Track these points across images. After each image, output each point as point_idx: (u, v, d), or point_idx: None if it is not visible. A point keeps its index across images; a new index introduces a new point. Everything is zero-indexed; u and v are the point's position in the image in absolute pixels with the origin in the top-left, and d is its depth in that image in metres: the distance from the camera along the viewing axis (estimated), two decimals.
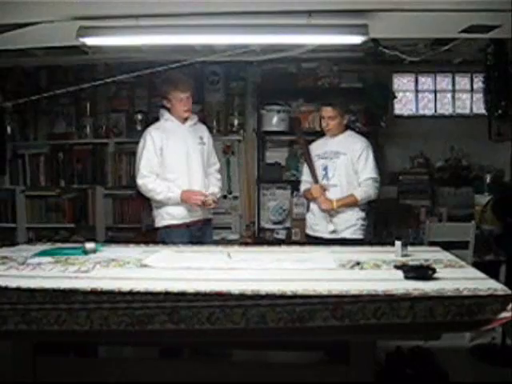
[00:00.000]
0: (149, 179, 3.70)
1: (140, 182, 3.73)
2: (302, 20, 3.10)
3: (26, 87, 5.36)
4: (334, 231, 3.83)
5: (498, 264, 4.25)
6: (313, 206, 4.02)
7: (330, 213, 3.85)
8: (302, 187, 4.14)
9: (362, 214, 3.89)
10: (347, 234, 3.84)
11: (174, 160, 3.74)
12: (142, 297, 2.28)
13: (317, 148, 4.04)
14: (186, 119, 3.83)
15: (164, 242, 3.62)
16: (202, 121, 4.26)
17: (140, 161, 3.72)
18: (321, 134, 4.13)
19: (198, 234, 3.80)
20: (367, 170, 3.85)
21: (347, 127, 4.02)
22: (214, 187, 3.93)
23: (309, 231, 4.07)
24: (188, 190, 3.71)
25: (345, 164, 3.86)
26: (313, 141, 4.15)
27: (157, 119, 3.93)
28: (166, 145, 3.73)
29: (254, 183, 5.59)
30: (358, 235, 3.86)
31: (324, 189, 3.88)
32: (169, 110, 3.81)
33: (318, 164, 3.96)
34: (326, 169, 3.92)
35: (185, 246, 3.41)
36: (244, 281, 2.44)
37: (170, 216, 3.75)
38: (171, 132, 3.77)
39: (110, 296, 2.30)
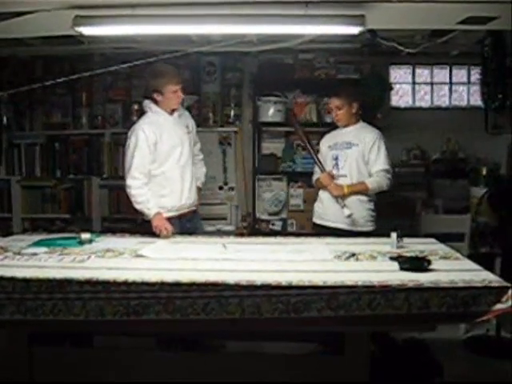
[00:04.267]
0: (136, 183, 3.56)
1: (128, 182, 3.58)
2: (299, 10, 3.09)
3: (21, 77, 5.31)
4: (350, 215, 3.75)
5: (493, 256, 4.25)
6: (322, 194, 3.98)
7: (342, 198, 3.80)
8: (314, 177, 4.10)
9: (371, 205, 3.87)
10: (358, 227, 3.81)
11: (167, 153, 3.63)
12: (137, 287, 2.29)
13: (328, 139, 4.02)
14: (173, 110, 3.72)
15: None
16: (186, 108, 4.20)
17: (132, 160, 3.56)
18: (317, 124, 4.13)
19: (188, 225, 3.71)
20: (380, 161, 3.81)
21: (359, 119, 3.98)
22: (201, 176, 3.95)
23: (316, 220, 4.03)
24: (162, 217, 3.52)
25: (356, 154, 3.83)
26: (310, 132, 4.12)
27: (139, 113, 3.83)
28: (159, 139, 3.60)
29: (250, 174, 5.58)
30: (369, 227, 3.84)
31: (332, 176, 3.85)
32: (155, 102, 3.66)
33: (329, 154, 3.94)
34: (336, 159, 3.89)
35: (181, 237, 3.41)
36: (239, 271, 2.44)
37: (162, 209, 3.60)
38: (163, 125, 3.64)
39: (106, 286, 2.30)
